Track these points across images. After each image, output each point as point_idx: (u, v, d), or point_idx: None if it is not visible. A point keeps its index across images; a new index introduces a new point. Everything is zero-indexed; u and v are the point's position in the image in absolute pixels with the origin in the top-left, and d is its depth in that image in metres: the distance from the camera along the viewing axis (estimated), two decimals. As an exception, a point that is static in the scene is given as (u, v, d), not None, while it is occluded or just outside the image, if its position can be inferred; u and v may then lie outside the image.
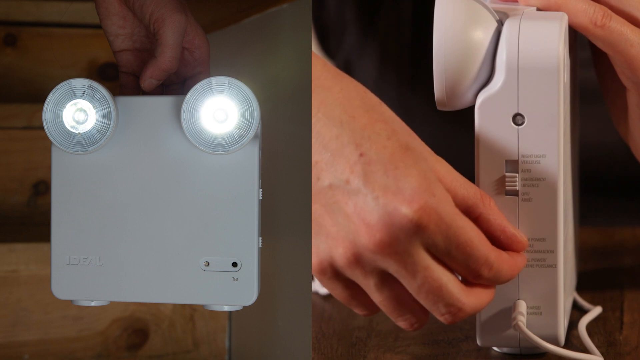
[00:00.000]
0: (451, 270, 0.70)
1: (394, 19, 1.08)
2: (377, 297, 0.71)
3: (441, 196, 0.68)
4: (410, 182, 0.68)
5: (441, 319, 0.71)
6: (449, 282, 0.69)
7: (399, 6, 1.07)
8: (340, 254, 0.69)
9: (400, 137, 0.69)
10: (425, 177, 0.68)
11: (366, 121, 0.69)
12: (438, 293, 0.69)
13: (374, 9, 1.09)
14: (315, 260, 0.70)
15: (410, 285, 0.70)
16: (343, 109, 0.70)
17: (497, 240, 0.72)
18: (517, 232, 0.72)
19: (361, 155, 0.68)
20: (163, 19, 0.78)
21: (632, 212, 1.04)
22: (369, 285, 0.71)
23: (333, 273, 0.70)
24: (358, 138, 0.69)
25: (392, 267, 0.69)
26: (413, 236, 0.68)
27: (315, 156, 0.69)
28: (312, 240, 0.70)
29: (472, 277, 0.70)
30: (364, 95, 0.71)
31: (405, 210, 0.67)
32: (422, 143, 0.71)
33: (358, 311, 0.73)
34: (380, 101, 0.71)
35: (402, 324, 0.72)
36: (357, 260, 0.69)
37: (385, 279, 0.70)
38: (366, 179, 0.68)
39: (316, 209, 0.69)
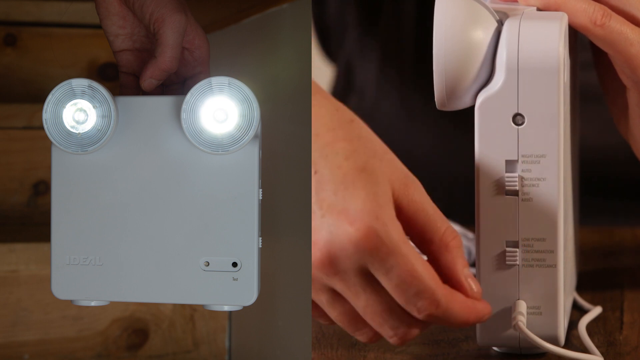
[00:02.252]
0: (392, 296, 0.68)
1: (395, 19, 1.08)
2: (331, 312, 0.70)
3: (386, 221, 0.67)
4: (357, 204, 0.67)
5: (389, 340, 0.70)
6: (393, 312, 0.68)
7: (400, 6, 1.07)
8: None
9: (358, 159, 0.68)
10: (374, 200, 0.67)
11: (329, 139, 0.69)
12: (383, 315, 0.68)
13: (375, 9, 1.09)
14: None
15: (356, 305, 0.69)
16: (312, 127, 0.69)
17: (446, 283, 0.69)
18: (467, 281, 0.69)
19: (315, 173, 0.68)
20: (163, 19, 0.78)
21: (632, 212, 1.04)
22: (322, 302, 0.70)
23: None
24: (316, 156, 0.68)
25: (337, 286, 0.68)
26: (352, 257, 0.67)
27: None
28: None
29: (417, 311, 0.68)
30: (335, 112, 0.70)
31: (347, 229, 0.66)
32: (394, 164, 0.69)
33: (320, 321, 0.72)
34: (353, 119, 0.70)
35: (360, 337, 0.71)
36: None
37: (336, 296, 0.69)
38: (316, 197, 0.67)
39: None
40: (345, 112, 0.70)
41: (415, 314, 0.68)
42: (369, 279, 0.68)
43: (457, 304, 0.68)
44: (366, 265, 0.67)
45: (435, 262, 0.70)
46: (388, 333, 0.69)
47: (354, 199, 0.67)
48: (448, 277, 0.69)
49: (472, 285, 0.70)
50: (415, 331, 0.69)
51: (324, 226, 0.67)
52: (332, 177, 0.67)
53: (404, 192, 0.69)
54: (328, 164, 0.68)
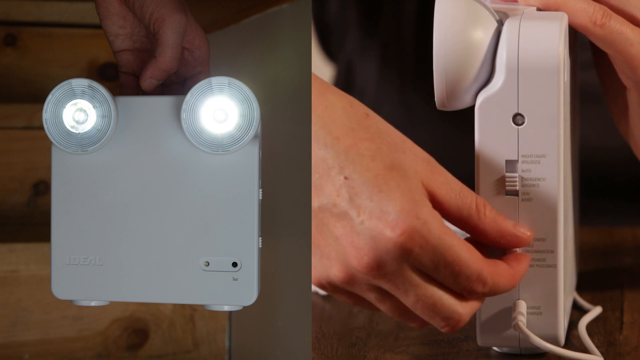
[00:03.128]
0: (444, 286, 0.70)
1: (396, 19, 1.08)
2: (381, 307, 0.72)
3: (427, 217, 0.68)
4: (394, 205, 0.67)
5: (442, 330, 0.71)
6: (443, 296, 0.70)
7: (400, 6, 1.07)
8: (335, 274, 0.70)
9: (385, 156, 0.69)
10: (410, 198, 0.68)
11: (350, 141, 0.69)
12: (433, 308, 0.70)
13: (375, 9, 1.09)
14: (312, 276, 0.71)
15: (406, 302, 0.70)
16: (327, 130, 0.69)
17: (500, 246, 0.72)
18: (517, 229, 0.71)
19: (345, 178, 0.68)
20: (163, 19, 0.78)
21: (632, 212, 1.04)
22: (371, 298, 0.71)
23: (332, 288, 0.71)
24: (342, 160, 0.69)
25: (385, 286, 0.70)
26: (399, 259, 0.68)
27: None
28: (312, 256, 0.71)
29: (466, 293, 0.70)
30: (350, 109, 0.70)
31: (389, 234, 0.67)
32: (414, 152, 0.70)
33: (371, 310, 0.74)
34: (367, 112, 0.71)
35: (412, 325, 0.73)
36: (352, 279, 0.70)
37: (384, 293, 0.71)
38: (351, 203, 0.68)
39: (312, 229, 0.70)
40: (359, 107, 0.71)
41: (465, 294, 0.70)
42: (416, 276, 0.69)
43: (501, 277, 0.70)
44: (413, 264, 0.68)
45: (481, 233, 0.71)
46: (439, 324, 0.71)
47: (390, 201, 0.68)
48: (500, 238, 0.71)
49: (525, 231, 0.72)
50: (465, 318, 0.71)
51: (366, 232, 0.68)
52: (364, 182, 0.68)
53: (431, 178, 0.70)
54: (356, 168, 0.68)
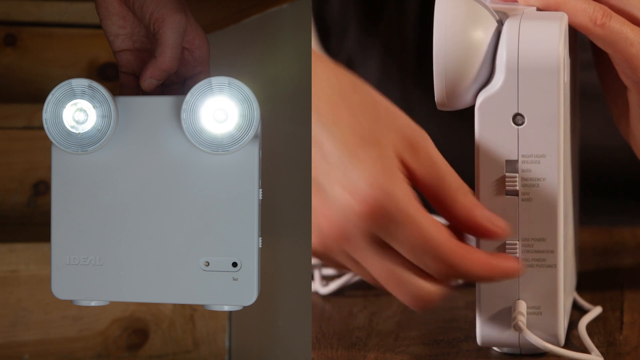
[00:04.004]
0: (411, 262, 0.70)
1: (398, 17, 1.08)
2: (359, 274, 0.72)
3: (392, 190, 0.68)
4: (361, 177, 0.68)
5: (413, 309, 0.71)
6: (408, 272, 0.70)
7: (402, 4, 1.07)
8: (314, 242, 0.71)
9: (361, 128, 0.70)
10: (380, 171, 0.69)
11: (330, 115, 0.70)
12: (398, 283, 0.70)
13: (377, 6, 1.09)
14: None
15: (373, 273, 0.71)
16: (314, 105, 0.71)
17: (470, 233, 0.71)
18: (490, 222, 0.71)
19: (324, 153, 0.70)
20: (163, 19, 0.78)
21: (632, 212, 1.04)
22: (349, 266, 0.72)
23: (318, 256, 0.72)
24: (323, 135, 0.70)
25: (355, 256, 0.71)
26: (364, 230, 0.69)
27: None
28: None
29: (437, 275, 0.70)
30: (334, 81, 0.72)
31: (356, 207, 0.68)
32: (399, 125, 0.70)
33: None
34: (355, 84, 0.72)
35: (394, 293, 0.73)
36: (327, 248, 0.71)
37: (357, 262, 0.71)
38: (326, 177, 0.69)
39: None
40: (345, 79, 0.72)
41: (437, 276, 0.70)
42: (380, 246, 0.70)
43: (476, 264, 0.70)
44: (376, 234, 0.69)
45: (454, 219, 0.71)
46: (408, 301, 0.71)
47: (358, 172, 0.68)
48: (470, 228, 0.71)
49: (496, 223, 0.71)
50: (434, 297, 0.70)
51: (333, 200, 0.69)
52: (339, 156, 0.69)
53: (411, 154, 0.70)
54: (333, 142, 0.69)
